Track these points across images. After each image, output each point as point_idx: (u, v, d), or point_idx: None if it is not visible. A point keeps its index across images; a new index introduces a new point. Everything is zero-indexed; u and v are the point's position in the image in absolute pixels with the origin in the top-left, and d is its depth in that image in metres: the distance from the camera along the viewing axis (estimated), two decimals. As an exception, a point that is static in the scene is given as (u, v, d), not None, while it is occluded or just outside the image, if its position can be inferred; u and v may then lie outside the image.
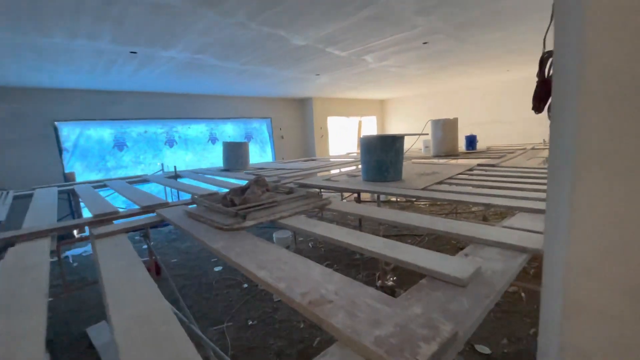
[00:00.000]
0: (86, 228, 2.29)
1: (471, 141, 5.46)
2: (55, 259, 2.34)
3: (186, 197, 3.06)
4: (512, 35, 3.51)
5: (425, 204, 5.58)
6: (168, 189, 4.85)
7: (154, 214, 2.28)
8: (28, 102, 4.65)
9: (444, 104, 8.19)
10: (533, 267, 3.08)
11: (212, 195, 2.53)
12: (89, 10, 2.20)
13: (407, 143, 3.81)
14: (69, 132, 5.19)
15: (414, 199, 4.43)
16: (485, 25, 3.09)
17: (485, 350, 2.03)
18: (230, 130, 7.23)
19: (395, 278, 3.06)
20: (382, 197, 4.22)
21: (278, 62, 3.98)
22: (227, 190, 2.46)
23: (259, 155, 7.73)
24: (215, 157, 6.72)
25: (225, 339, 2.27)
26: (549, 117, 0.75)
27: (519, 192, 2.17)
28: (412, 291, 0.96)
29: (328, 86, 6.12)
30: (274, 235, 3.96)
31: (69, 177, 4.92)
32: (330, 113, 8.39)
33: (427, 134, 4.34)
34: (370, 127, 9.66)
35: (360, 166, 3.70)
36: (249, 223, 1.73)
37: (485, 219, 4.60)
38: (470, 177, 3.00)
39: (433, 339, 0.69)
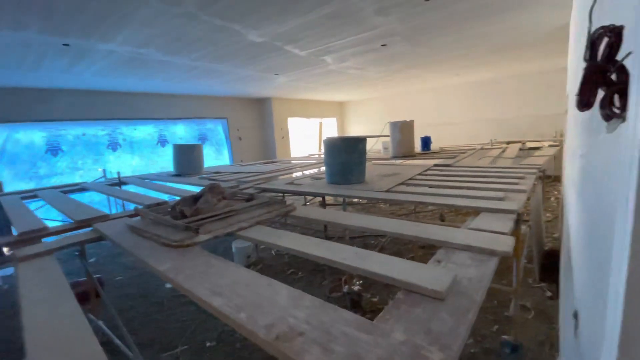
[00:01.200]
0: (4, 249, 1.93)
1: (426, 142, 5.66)
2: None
3: (132, 207, 2.73)
4: (462, 40, 3.67)
5: (386, 205, 5.68)
6: (112, 198, 4.36)
7: (90, 229, 1.98)
8: None
9: (401, 106, 8.47)
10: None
11: (159, 205, 2.28)
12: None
13: (368, 144, 3.81)
14: (-14, 136, 4.46)
15: (377, 201, 4.47)
16: (438, 28, 3.17)
17: None
18: (182, 132, 6.76)
19: (361, 282, 3.02)
20: (346, 199, 4.19)
21: (233, 58, 3.76)
22: (177, 198, 2.22)
23: (215, 158, 7.34)
24: (165, 161, 6.23)
25: (179, 363, 2.03)
26: (606, 115, 0.58)
27: (477, 191, 2.22)
28: (391, 309, 0.87)
29: (287, 86, 5.98)
30: (232, 244, 3.73)
31: (-12, 188, 4.20)
32: (290, 114, 8.24)
33: (388, 136, 4.40)
34: (331, 129, 9.68)
35: (323, 168, 3.62)
36: (202, 238, 1.55)
37: (442, 218, 4.78)
38: (429, 178, 3.06)
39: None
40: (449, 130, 7.71)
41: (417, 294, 0.95)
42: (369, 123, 9.22)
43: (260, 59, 3.83)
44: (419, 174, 3.31)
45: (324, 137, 3.12)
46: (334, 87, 6.31)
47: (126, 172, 5.32)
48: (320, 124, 9.16)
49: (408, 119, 5.06)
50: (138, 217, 2.04)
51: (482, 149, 5.58)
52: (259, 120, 7.98)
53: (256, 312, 0.86)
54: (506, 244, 1.27)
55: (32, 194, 3.49)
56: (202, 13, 2.39)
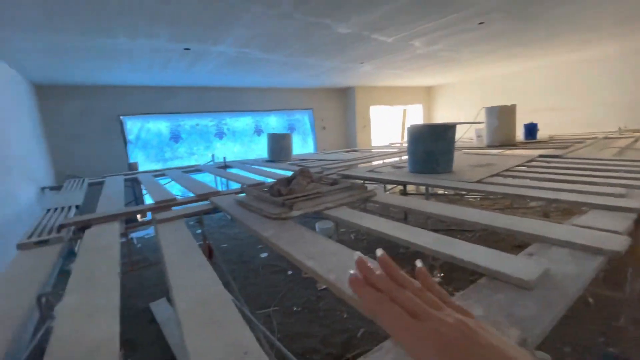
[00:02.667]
0: (148, 213, 2.51)
1: (531, 130, 4.98)
2: (124, 240, 2.59)
3: (234, 186, 3.20)
4: (584, 10, 3.10)
5: (476, 198, 5.24)
6: (218, 178, 5.11)
7: (208, 202, 2.42)
8: (97, 98, 5.17)
9: (500, 89, 7.55)
10: (603, 270, 2.75)
11: (259, 185, 2.62)
12: (147, 10, 2.35)
13: (458, 132, 3.58)
14: (132, 126, 5.69)
15: (464, 193, 4.18)
16: (553, -2, 2.76)
17: (546, 357, 1.87)
18: (273, 122, 7.40)
19: (442, 274, 2.94)
20: (430, 190, 4.04)
21: (322, 52, 3.95)
22: (272, 180, 2.52)
23: (301, 146, 7.83)
24: (260, 149, 6.94)
25: (271, 322, 2.37)
26: None
27: (589, 186, 1.93)
28: (470, 291, 0.90)
29: (372, 74, 5.95)
30: (316, 225, 4.01)
31: (132, 167, 5.42)
32: (373, 102, 8.18)
33: (482, 122, 4.04)
34: (416, 116, 9.26)
35: (405, 157, 3.57)
36: (295, 213, 1.76)
37: (546, 216, 4.21)
38: (531, 169, 2.75)
39: (499, 344, 0.64)
40: (561, 117, 6.58)
41: (501, 281, 0.94)
42: (460, 109, 8.50)
43: (347, 50, 3.93)
44: (519, 165, 3.00)
45: (407, 125, 3.07)
46: (421, 71, 6.02)
47: (230, 157, 6.13)
48: (404, 111, 8.85)
49: (508, 104, 4.54)
50: (243, 194, 2.40)
51: (606, 138, 4.66)
52: (341, 110, 8.16)
53: (343, 274, 0.99)
54: (618, 243, 1.13)
55: (161, 173, 4.37)
56: (296, 12, 2.60)
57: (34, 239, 1.74)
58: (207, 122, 6.51)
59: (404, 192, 3.28)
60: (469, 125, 3.51)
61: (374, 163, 4.60)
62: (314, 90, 7.59)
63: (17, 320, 0.98)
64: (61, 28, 2.56)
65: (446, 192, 5.40)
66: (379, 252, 0.39)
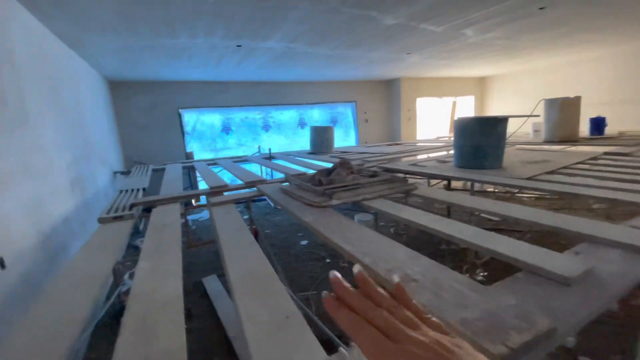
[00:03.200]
0: (202, 198, 2.77)
1: (598, 125, 4.51)
2: (183, 220, 2.88)
3: (278, 176, 3.37)
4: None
5: (530, 198, 4.89)
6: (264, 168, 5.37)
7: (255, 189, 2.60)
8: (160, 93, 5.69)
9: (562, 80, 6.86)
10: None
11: (302, 175, 2.74)
12: (207, 11, 2.56)
13: (511, 126, 3.38)
14: (189, 118, 6.19)
15: (515, 191, 3.93)
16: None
17: (571, 340, 1.77)
18: (317, 115, 7.52)
19: (486, 274, 2.84)
20: (477, 187, 3.87)
21: (367, 43, 3.93)
22: (314, 171, 2.63)
23: (343, 139, 7.86)
24: (304, 141, 7.11)
25: (310, 305, 2.50)
26: None
27: (663, 187, 1.74)
28: (506, 282, 0.91)
29: (419, 65, 5.77)
30: (355, 217, 4.06)
31: (189, 156, 5.91)
32: (419, 94, 7.91)
33: (538, 116, 3.74)
34: (467, 109, 8.77)
35: (452, 152, 3.46)
36: (334, 202, 1.85)
37: (609, 219, 3.80)
38: (593, 168, 2.53)
39: (526, 330, 0.67)
40: (634, 111, 5.81)
41: (540, 276, 0.94)
42: (517, 101, 7.88)
43: (393, 41, 3.87)
44: (579, 163, 2.77)
45: (456, 118, 2.98)
46: (472, 61, 5.69)
47: (274, 149, 6.40)
48: (454, 103, 8.42)
49: (571, 96, 4.14)
50: (287, 183, 2.55)
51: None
52: (385, 102, 8.01)
53: (378, 259, 1.06)
54: (684, 247, 1.04)
55: (213, 162, 4.73)
56: (343, 6, 2.64)
57: (112, 214, 2.04)
58: (254, 115, 6.83)
59: (448, 188, 3.19)
60: (525, 118, 3.27)
61: (418, 157, 4.50)
62: (357, 83, 7.55)
63: (99, 281, 1.19)
64: (134, 31, 2.89)
65: (496, 190, 5.12)
66: (356, 268, 0.38)
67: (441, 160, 3.77)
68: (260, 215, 5.09)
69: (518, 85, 7.86)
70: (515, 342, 0.63)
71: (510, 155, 3.50)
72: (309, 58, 4.54)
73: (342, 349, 0.67)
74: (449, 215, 3.04)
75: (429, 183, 4.67)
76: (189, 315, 2.48)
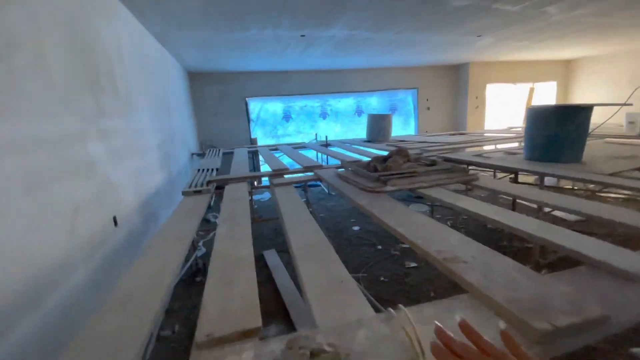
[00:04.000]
0: (263, 180, 3.02)
1: None
2: (249, 197, 3.19)
3: (334, 162, 3.49)
4: None
5: (618, 199, 4.28)
6: (320, 154, 5.55)
7: (312, 173, 2.76)
8: (229, 83, 6.18)
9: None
10: None
11: (357, 161, 2.82)
12: (275, 3, 2.73)
13: (599, 116, 2.99)
14: (254, 106, 6.62)
15: (599, 189, 3.48)
16: None
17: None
18: (375, 103, 7.43)
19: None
20: (551, 182, 3.51)
21: (433, 27, 3.77)
22: (369, 159, 2.68)
23: (402, 127, 7.66)
24: (360, 129, 7.12)
25: (359, 285, 2.61)
26: None
27: None
28: (564, 273, 0.90)
29: (491, 48, 5.31)
30: (410, 207, 4.02)
31: (253, 142, 6.37)
32: (490, 79, 7.29)
33: (632, 104, 3.22)
34: (547, 96, 7.83)
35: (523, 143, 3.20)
36: (389, 188, 1.90)
37: None
38: (702, 165, 2.15)
39: (576, 314, 0.68)
40: None
41: (603, 271, 0.90)
42: (609, 88, 6.79)
43: (462, 23, 3.64)
44: (681, 159, 2.38)
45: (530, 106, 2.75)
46: (555, 42, 5.05)
47: (331, 137, 6.54)
48: (531, 89, 7.57)
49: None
50: (342, 169, 2.65)
51: None
52: (450, 89, 7.55)
53: (429, 241, 1.11)
54: None
55: (274, 148, 5.04)
56: (408, -11, 2.59)
57: (193, 189, 2.37)
58: (313, 103, 7.02)
59: (515, 181, 2.97)
60: (617, 108, 2.84)
61: (485, 148, 4.23)
62: (420, 69, 7.23)
63: (186, 241, 1.43)
64: (211, 27, 3.20)
65: (575, 187, 4.58)
66: (459, 318, 0.41)
67: (510, 152, 3.51)
68: (315, 200, 5.31)
69: (612, 70, 6.75)
70: (561, 322, 0.65)
71: (594, 148, 3.12)
72: (370, 44, 4.51)
73: (390, 309, 0.76)
74: (514, 209, 2.86)
75: (494, 176, 4.37)
76: (251, 283, 2.78)
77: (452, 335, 0.40)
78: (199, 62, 5.07)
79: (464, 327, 0.39)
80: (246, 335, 0.73)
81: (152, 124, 2.92)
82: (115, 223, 1.85)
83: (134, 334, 0.78)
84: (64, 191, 1.36)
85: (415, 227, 1.27)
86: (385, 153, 3.02)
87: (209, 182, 2.55)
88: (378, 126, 5.17)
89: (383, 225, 1.36)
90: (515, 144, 4.51)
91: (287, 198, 1.99)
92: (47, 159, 1.25)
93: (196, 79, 5.98)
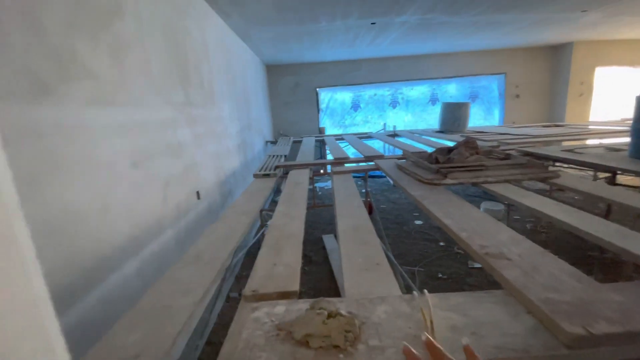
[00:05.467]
0: (328, 167, 3.14)
1: None
2: (310, 187, 3.37)
3: (399, 153, 3.42)
4: None
5: None
6: (386, 145, 5.46)
7: (372, 163, 2.78)
8: (302, 74, 6.44)
9: None
10: None
11: (420, 152, 2.73)
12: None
13: None
14: (324, 96, 6.80)
15: None
16: None
17: None
18: (453, 90, 6.91)
19: None
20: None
21: (523, 3, 3.34)
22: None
23: (483, 117, 6.99)
24: (433, 119, 6.74)
25: (414, 279, 2.57)
26: None
27: None
28: (625, 284, 0.80)
29: (599, 25, 4.45)
30: (481, 205, 3.72)
31: (321, 131, 6.57)
32: (601, 62, 6.11)
33: None
34: (682, 80, 6.25)
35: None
36: (448, 181, 1.83)
37: None
38: None
39: (619, 323, 0.62)
40: None
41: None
42: None
43: (560, -3, 3.15)
44: None
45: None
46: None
47: (400, 127, 6.35)
48: (659, 73, 6.11)
49: None
50: (403, 160, 2.61)
51: None
52: (546, 73, 6.56)
53: (475, 235, 1.07)
54: None
55: (340, 137, 5.13)
56: (489, -35, 2.35)
57: (262, 172, 2.63)
58: (384, 92, 6.87)
59: (613, 183, 2.51)
60: None
61: (588, 142, 3.63)
62: (508, 51, 6.44)
63: (252, 214, 1.64)
64: (285, 21, 3.40)
65: None
66: (424, 337, 0.45)
67: (613, 148, 2.97)
68: (378, 190, 5.28)
69: None
70: (599, 330, 0.61)
71: None
72: (447, 28, 4.21)
73: (415, 292, 0.79)
74: (608, 216, 2.45)
75: (595, 177, 3.73)
76: (309, 261, 2.97)
77: (419, 355, 0.45)
78: (275, 55, 5.41)
79: (430, 346, 0.45)
80: (284, 296, 0.86)
81: (231, 113, 3.27)
82: (198, 196, 2.18)
83: (201, 281, 0.97)
84: (159, 167, 1.67)
85: (465, 220, 1.23)
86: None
87: (276, 167, 2.78)
88: (453, 115, 4.84)
89: (431, 216, 1.35)
90: (627, 139, 3.76)
91: (343, 185, 2.07)
92: (147, 140, 1.56)
93: (273, 71, 6.39)
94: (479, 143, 2.94)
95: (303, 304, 0.77)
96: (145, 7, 1.63)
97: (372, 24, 3.80)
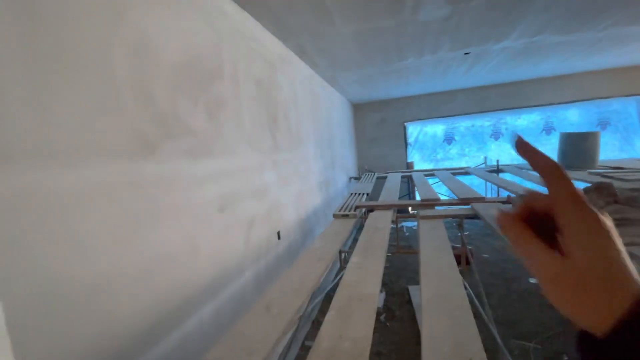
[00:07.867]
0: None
1: None
2: (394, 226, 3.13)
3: (506, 194, 2.92)
4: None
5: None
6: (489, 183, 4.81)
7: (469, 207, 2.42)
8: (388, 109, 6.38)
9: None
10: None
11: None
12: (432, 31, 2.65)
13: None
14: (412, 130, 6.55)
15: None
16: None
17: None
18: (574, 117, 5.80)
19: None
20: None
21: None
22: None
23: (619, 148, 5.59)
24: (549, 151, 5.68)
25: (527, 358, 2.02)
26: None
27: None
28: None
29: None
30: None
31: (409, 166, 6.27)
32: None
33: None
34: None
35: None
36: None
37: None
38: None
39: None
40: None
41: None
42: None
43: None
44: None
45: None
46: None
47: (504, 161, 5.56)
48: None
49: None
50: (510, 205, 2.20)
51: None
52: None
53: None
54: None
55: (431, 173, 4.75)
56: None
57: (341, 212, 2.56)
58: (483, 122, 6.22)
59: None
60: None
61: None
62: (652, 67, 5.13)
63: (328, 259, 1.55)
64: (371, 62, 3.45)
65: None
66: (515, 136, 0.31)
67: None
68: (478, 235, 4.60)
69: None
70: None
71: None
72: (561, 48, 3.62)
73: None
74: None
75: None
76: (392, 315, 2.67)
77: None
78: (361, 94, 5.53)
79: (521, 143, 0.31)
80: (347, 384, 0.72)
81: (315, 152, 3.38)
82: (279, 237, 2.23)
83: (267, 339, 0.91)
84: (245, 209, 1.77)
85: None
86: (583, 185, 2.29)
87: (357, 207, 2.68)
88: (576, 148, 3.98)
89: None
90: None
91: (431, 235, 1.83)
92: (235, 185, 1.67)
93: (359, 109, 6.52)
94: (617, 184, 2.29)
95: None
96: (242, 68, 1.83)
97: (465, 54, 3.54)
